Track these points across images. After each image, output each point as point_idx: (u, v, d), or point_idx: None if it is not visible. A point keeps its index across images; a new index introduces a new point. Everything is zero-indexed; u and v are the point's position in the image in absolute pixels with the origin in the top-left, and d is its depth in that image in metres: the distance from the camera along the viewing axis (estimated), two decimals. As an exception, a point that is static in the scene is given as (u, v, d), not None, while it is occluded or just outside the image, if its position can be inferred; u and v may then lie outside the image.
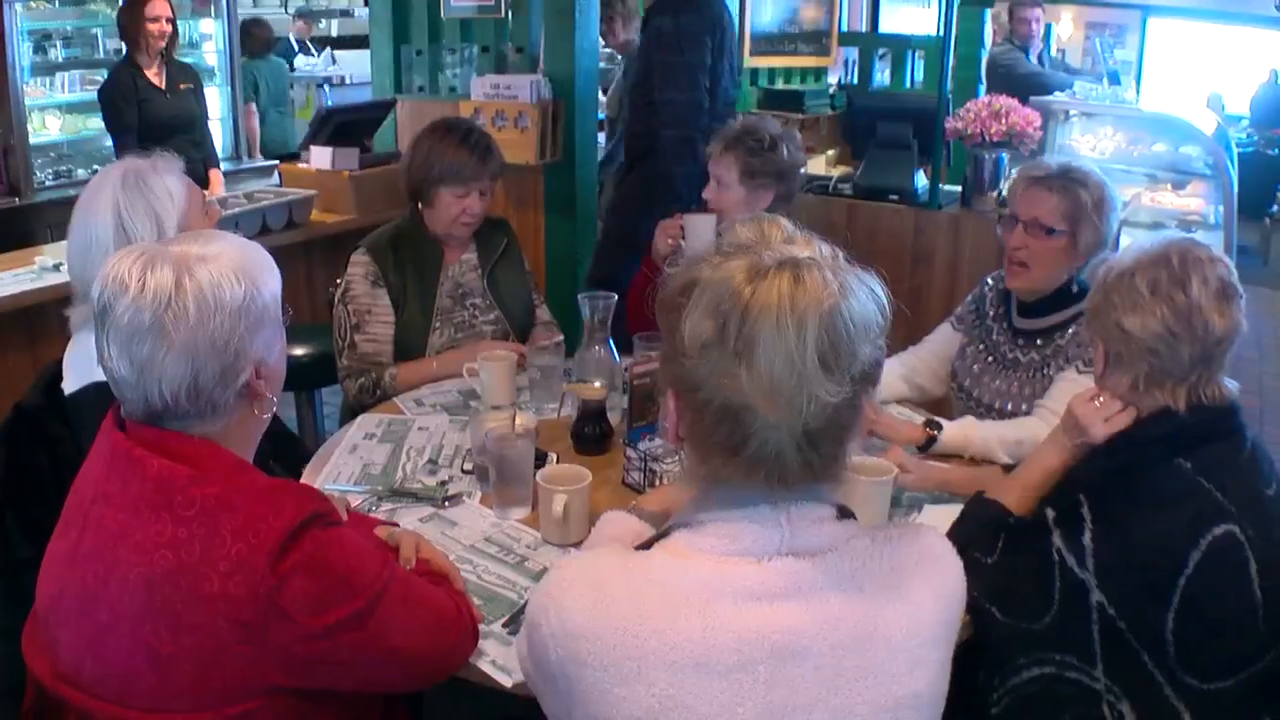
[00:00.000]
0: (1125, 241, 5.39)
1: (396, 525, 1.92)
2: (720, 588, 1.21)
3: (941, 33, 4.19)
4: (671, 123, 3.99)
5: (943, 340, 2.91)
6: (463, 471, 2.35)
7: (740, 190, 3.17)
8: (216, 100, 7.60)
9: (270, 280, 1.52)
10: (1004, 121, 3.87)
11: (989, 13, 7.46)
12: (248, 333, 1.46)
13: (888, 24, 8.27)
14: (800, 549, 1.23)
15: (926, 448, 2.45)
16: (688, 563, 1.23)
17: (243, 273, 1.46)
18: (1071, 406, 1.95)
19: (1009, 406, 2.64)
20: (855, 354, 1.18)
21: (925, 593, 1.29)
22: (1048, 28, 8.36)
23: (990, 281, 2.84)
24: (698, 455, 1.25)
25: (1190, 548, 1.70)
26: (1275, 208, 10.96)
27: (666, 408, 1.29)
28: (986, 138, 3.88)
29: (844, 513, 1.30)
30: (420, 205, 3.02)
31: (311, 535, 1.40)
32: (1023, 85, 5.96)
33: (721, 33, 4.10)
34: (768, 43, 6.59)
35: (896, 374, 2.88)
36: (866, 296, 1.21)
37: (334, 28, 12.41)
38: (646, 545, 1.31)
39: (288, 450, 2.45)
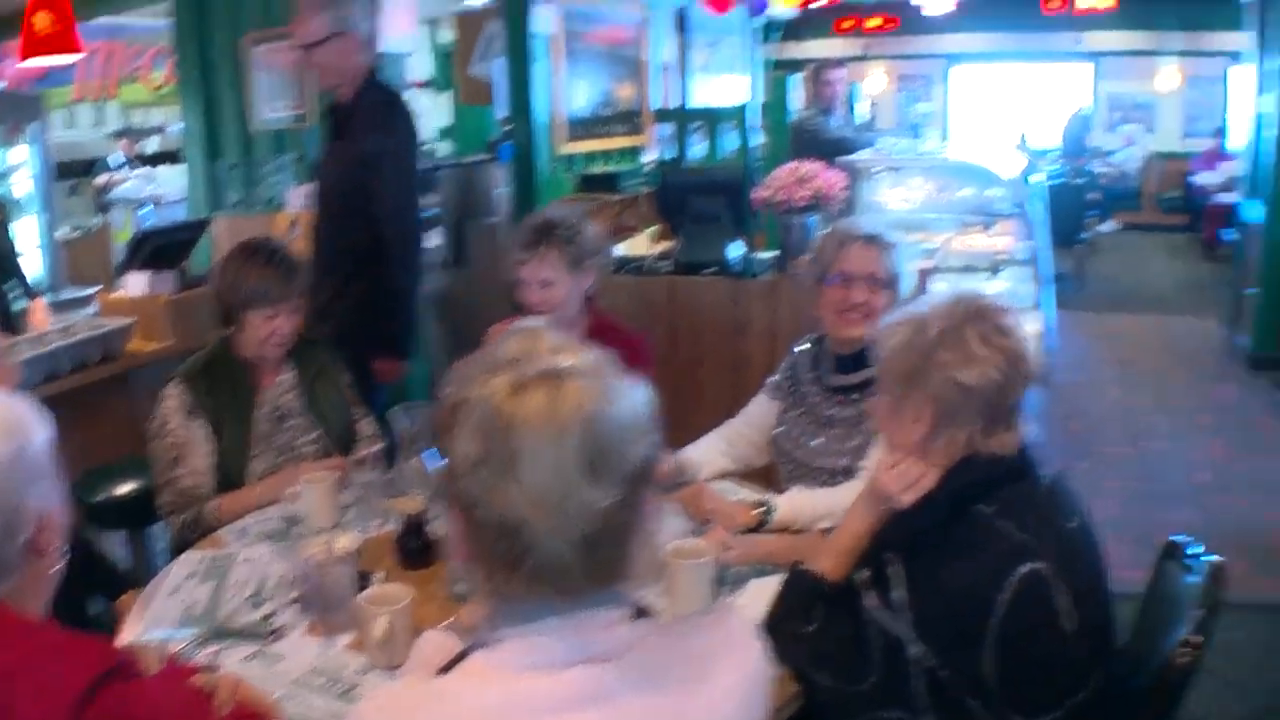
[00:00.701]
0: (942, 286, 5.61)
1: (217, 669, 1.87)
2: (518, 705, 1.20)
3: (743, 105, 4.30)
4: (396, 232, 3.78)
5: (759, 411, 2.98)
6: (289, 602, 2.29)
7: (569, 281, 3.14)
8: (34, 228, 7.40)
9: (39, 430, 1.49)
10: (809, 186, 3.98)
11: (794, 79, 7.71)
12: (24, 487, 1.42)
13: (701, 96, 8.48)
14: (595, 655, 1.23)
15: (760, 529, 2.49)
16: (486, 683, 1.23)
17: (9, 429, 1.43)
18: (874, 480, 2.01)
19: (830, 463, 2.71)
20: (623, 456, 1.20)
21: (728, 679, 1.30)
22: (852, 90, 8.65)
23: (800, 348, 2.93)
24: (483, 572, 1.25)
25: (996, 590, 1.75)
26: (1085, 235, 11.42)
27: (451, 527, 1.29)
28: (793, 204, 3.98)
29: (641, 612, 1.31)
30: (231, 328, 2.97)
31: (112, 690, 1.35)
32: (828, 148, 6.13)
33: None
34: (582, 127, 6.71)
35: (718, 449, 2.93)
36: (630, 398, 1.23)
37: (151, 144, 12.18)
38: (448, 668, 1.30)
39: (111, 580, 2.38)
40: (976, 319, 1.89)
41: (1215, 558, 2.11)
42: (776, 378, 2.98)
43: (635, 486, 1.22)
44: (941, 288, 5.59)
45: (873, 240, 2.76)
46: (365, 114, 3.69)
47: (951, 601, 1.79)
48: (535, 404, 1.17)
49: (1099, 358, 8.10)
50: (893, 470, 1.96)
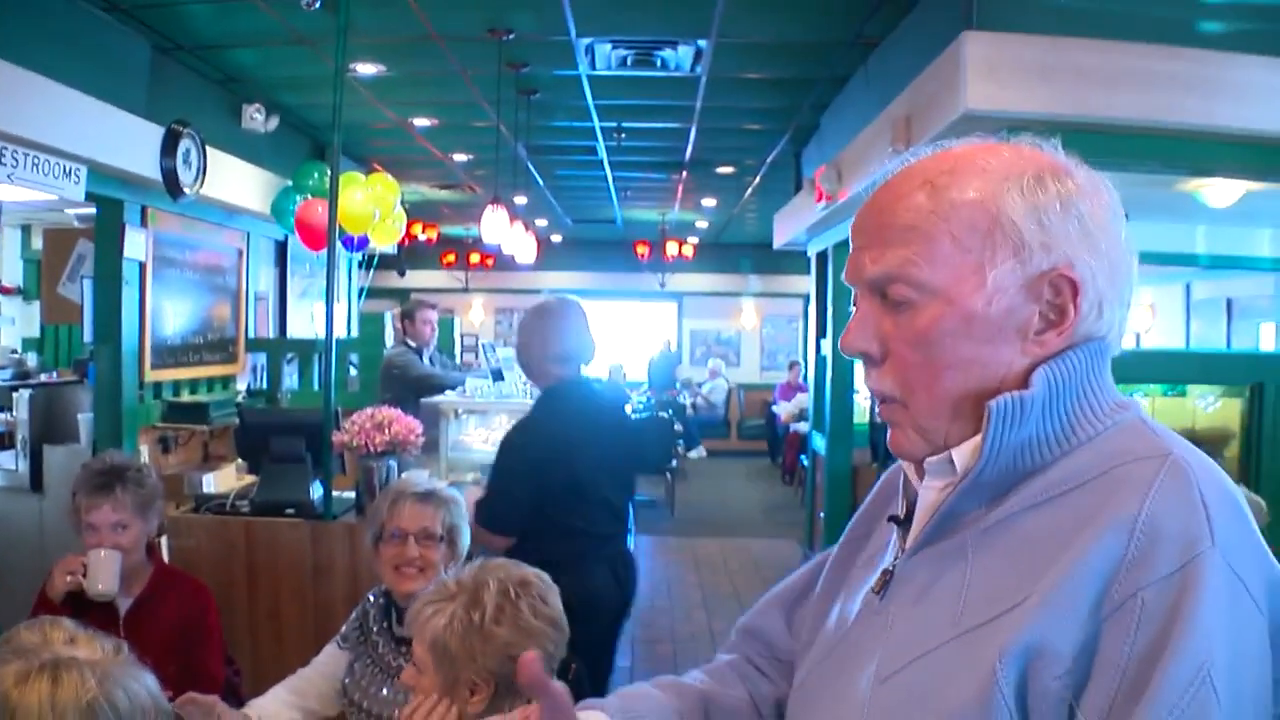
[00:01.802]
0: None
1: None
2: None
3: (328, 340, 4.39)
4: None
5: (329, 660, 2.98)
6: None
7: (140, 524, 3.12)
8: None
9: None
10: (387, 432, 4.08)
11: (388, 315, 7.93)
12: None
13: (299, 324, 8.52)
14: None
15: None
16: None
17: None
18: None
19: (398, 714, 2.75)
20: None
21: None
22: (445, 323, 8.94)
23: (372, 598, 2.99)
24: None
25: None
26: (675, 462, 12.06)
27: None
28: (372, 448, 4.07)
29: None
30: None
31: None
32: (417, 386, 6.33)
33: None
34: (172, 355, 6.58)
35: (284, 701, 2.90)
36: (136, 687, 1.29)
37: None
38: None
39: None
40: (524, 592, 2.06)
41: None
42: (344, 628, 3.03)
43: None
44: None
45: (427, 497, 2.88)
46: None
47: None
48: (36, 694, 1.21)
49: (686, 581, 8.51)
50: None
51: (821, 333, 9.00)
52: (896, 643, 1.15)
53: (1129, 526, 1.02)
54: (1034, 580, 1.04)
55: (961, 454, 1.14)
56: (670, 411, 13.22)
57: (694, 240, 16.49)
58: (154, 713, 1.29)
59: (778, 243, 10.01)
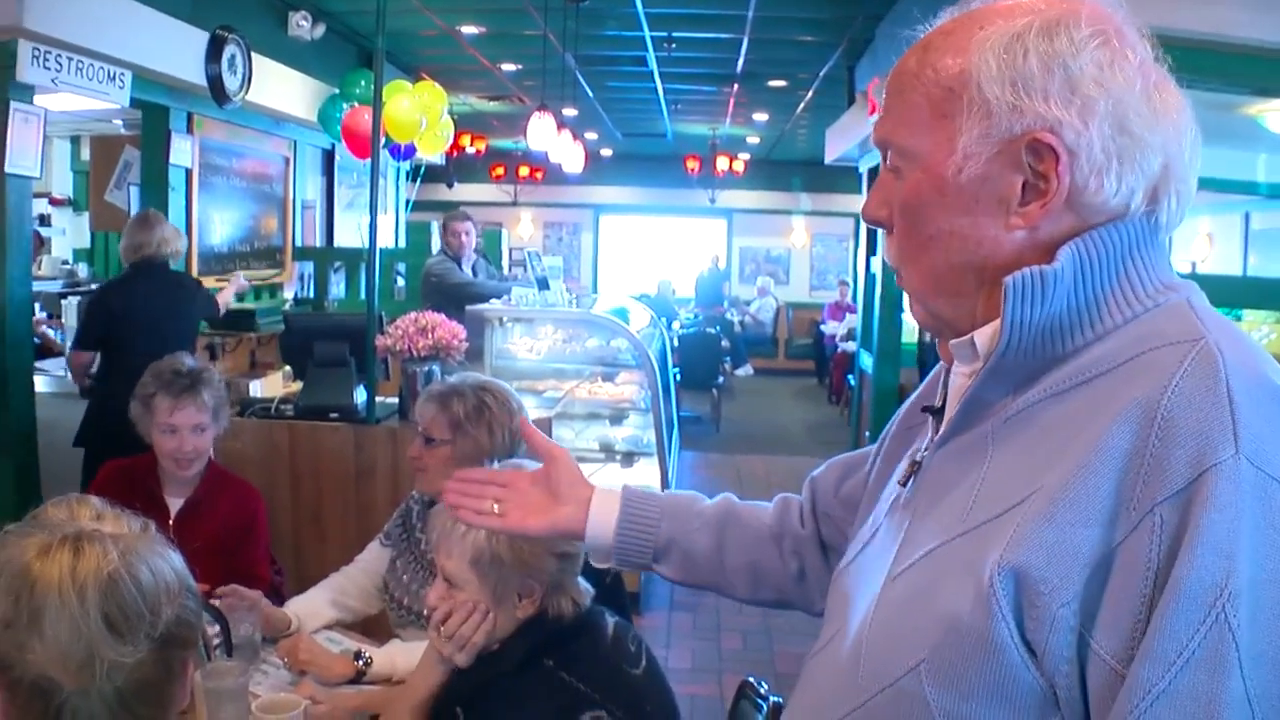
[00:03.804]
0: (567, 433, 5.83)
1: None
2: None
3: (373, 248, 4.37)
4: None
5: (372, 558, 3.00)
6: None
7: (214, 428, 3.17)
8: None
9: None
10: (430, 337, 4.07)
11: (433, 225, 7.91)
12: None
13: (345, 234, 8.52)
14: None
15: (358, 680, 2.52)
16: None
17: None
18: (431, 640, 2.08)
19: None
20: (149, 616, 1.22)
21: None
22: (494, 235, 8.91)
23: (415, 495, 3.00)
24: None
25: None
26: (722, 379, 12.05)
27: None
28: (415, 353, 4.06)
29: None
30: None
31: None
32: (456, 294, 6.31)
33: None
34: (217, 262, 6.60)
35: (323, 600, 2.93)
36: (160, 564, 1.27)
37: None
38: None
39: None
40: None
41: (779, 698, 2.31)
42: (387, 525, 3.04)
43: (167, 647, 1.24)
44: (567, 434, 5.85)
45: (432, 396, 2.85)
46: None
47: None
48: (58, 564, 1.20)
49: (728, 497, 8.51)
50: (443, 630, 2.03)
51: (872, 250, 8.91)
52: (913, 536, 1.12)
53: (1145, 421, 0.93)
54: (1043, 474, 0.97)
55: (982, 336, 1.09)
56: (718, 329, 13.19)
57: (745, 156, 16.30)
58: (179, 590, 1.28)
59: (829, 157, 9.88)
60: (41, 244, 8.48)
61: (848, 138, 8.92)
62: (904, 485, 1.19)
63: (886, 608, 1.10)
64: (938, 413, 1.19)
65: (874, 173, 8.64)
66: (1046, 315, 1.03)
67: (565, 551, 1.97)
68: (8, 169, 4.35)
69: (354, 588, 2.98)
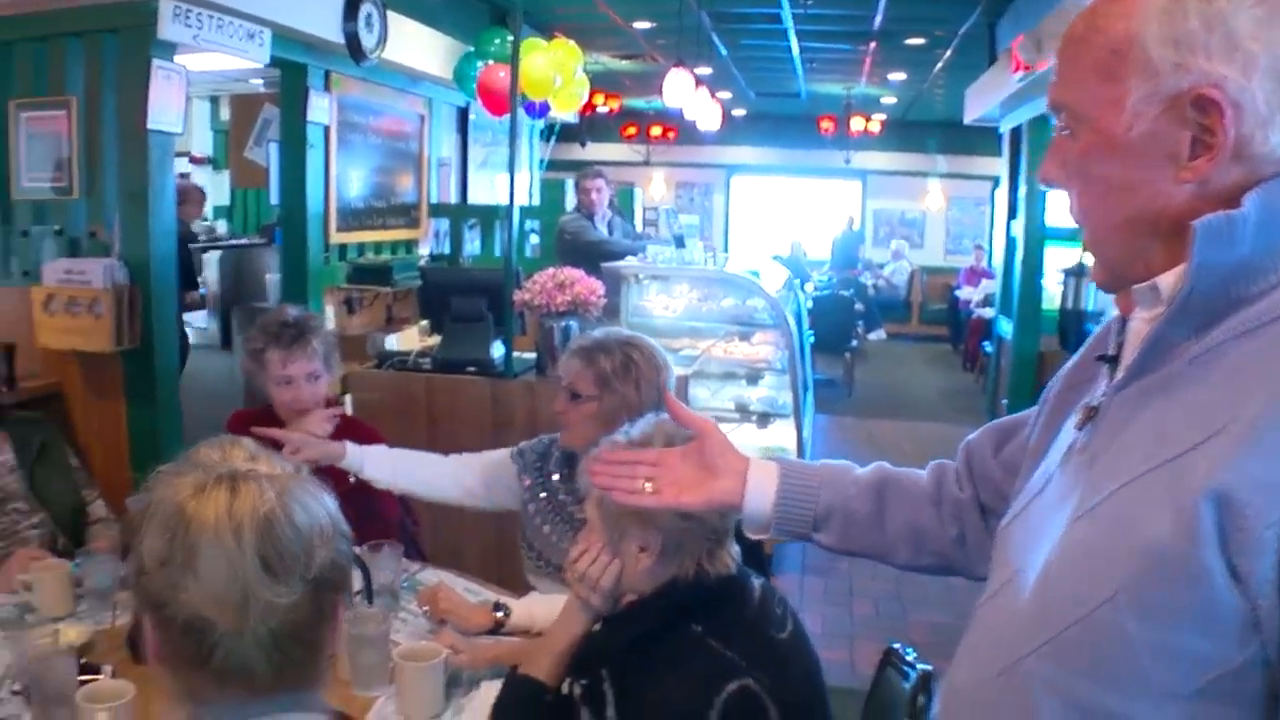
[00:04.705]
0: (703, 392, 5.77)
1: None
2: None
3: (511, 205, 4.36)
4: None
5: (498, 461, 3.01)
6: (11, 693, 2.16)
7: (327, 377, 3.20)
8: None
9: None
10: (568, 292, 4.04)
11: (568, 183, 7.88)
12: None
13: (480, 192, 8.55)
14: None
15: (497, 631, 2.50)
16: None
17: None
18: (571, 589, 2.06)
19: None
20: (304, 557, 1.21)
21: None
22: (627, 194, 8.87)
23: (557, 437, 2.97)
24: (176, 675, 1.24)
25: (706, 707, 1.77)
26: (855, 343, 11.89)
27: (145, 627, 1.28)
28: (553, 308, 4.04)
29: (342, 717, 1.31)
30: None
31: None
32: (590, 252, 6.30)
33: None
34: (354, 217, 6.66)
35: (448, 473, 2.99)
36: (315, 505, 1.25)
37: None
38: None
39: None
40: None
41: (927, 666, 2.22)
42: (523, 445, 3.02)
43: (320, 589, 1.23)
44: (703, 394, 5.78)
45: (577, 352, 2.81)
46: None
47: (662, 717, 1.82)
48: (214, 504, 1.19)
49: (860, 460, 8.33)
50: (578, 570, 2.01)
51: (1012, 213, 8.70)
52: (1096, 477, 1.13)
53: None
54: (1241, 405, 1.00)
55: (1167, 279, 1.12)
56: (851, 291, 13.00)
57: (880, 117, 15.98)
58: (332, 533, 1.27)
59: (969, 118, 9.63)
60: (203, 197, 8.67)
61: (988, 98, 8.68)
62: (1080, 429, 1.22)
63: (1074, 547, 1.11)
64: (1112, 361, 1.23)
65: (1015, 134, 8.46)
66: (1233, 258, 1.06)
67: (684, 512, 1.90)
68: (150, 125, 4.41)
69: (469, 473, 3.00)
